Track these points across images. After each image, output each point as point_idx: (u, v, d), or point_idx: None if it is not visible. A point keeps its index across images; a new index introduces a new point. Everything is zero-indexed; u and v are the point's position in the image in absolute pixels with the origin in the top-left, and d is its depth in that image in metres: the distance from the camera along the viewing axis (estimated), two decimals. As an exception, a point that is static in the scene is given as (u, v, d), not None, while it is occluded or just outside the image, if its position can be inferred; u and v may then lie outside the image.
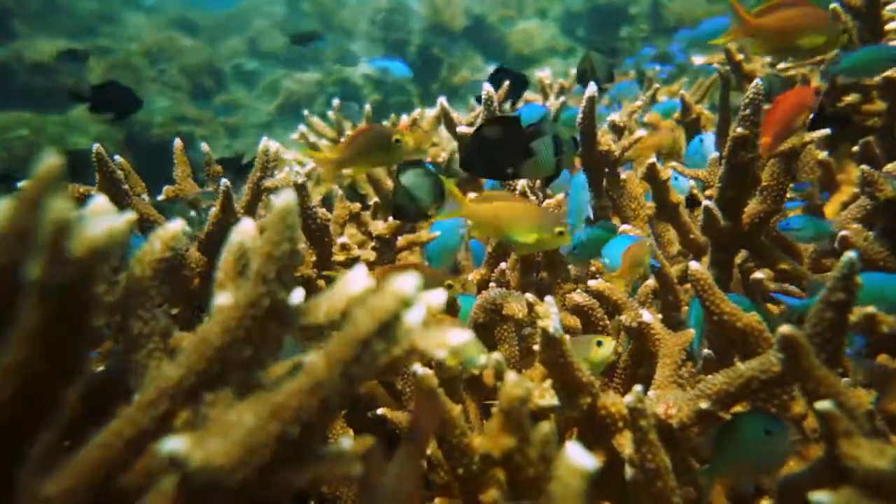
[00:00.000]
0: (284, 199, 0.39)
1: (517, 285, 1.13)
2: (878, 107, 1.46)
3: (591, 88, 1.23)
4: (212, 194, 1.28)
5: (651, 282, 0.94)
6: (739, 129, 1.02)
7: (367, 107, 2.38)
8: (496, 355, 0.69)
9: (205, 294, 1.10)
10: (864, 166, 1.02)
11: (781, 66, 1.73)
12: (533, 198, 1.14)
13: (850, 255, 0.60)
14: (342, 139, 1.08)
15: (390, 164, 1.11)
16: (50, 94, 4.73)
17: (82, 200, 1.06)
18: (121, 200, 1.06)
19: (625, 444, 0.66)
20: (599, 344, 0.79)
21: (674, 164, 1.28)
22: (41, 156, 0.34)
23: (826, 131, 1.13)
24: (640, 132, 1.27)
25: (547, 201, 1.20)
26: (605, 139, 1.24)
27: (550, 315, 0.64)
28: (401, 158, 1.06)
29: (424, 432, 0.45)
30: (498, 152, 0.97)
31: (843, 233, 0.99)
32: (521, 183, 1.12)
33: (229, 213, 1.09)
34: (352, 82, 5.72)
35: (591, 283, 0.92)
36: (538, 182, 1.37)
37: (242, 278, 0.46)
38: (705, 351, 0.88)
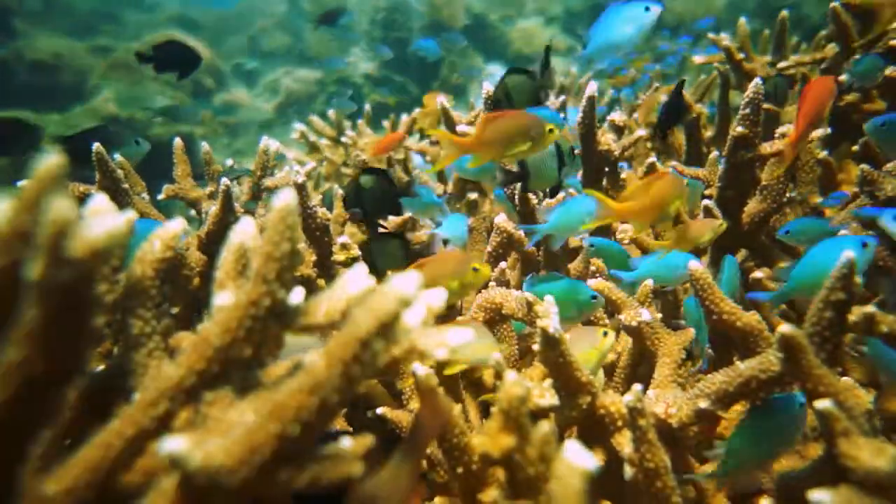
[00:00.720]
0: (284, 199, 0.39)
1: (517, 284, 1.13)
2: (878, 106, 1.46)
3: (592, 87, 1.23)
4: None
5: (650, 282, 0.94)
6: (739, 129, 1.02)
7: (367, 107, 2.38)
8: (496, 355, 0.69)
9: (205, 293, 1.10)
10: (863, 165, 1.02)
11: (782, 65, 1.73)
12: (534, 198, 1.14)
13: (848, 254, 0.60)
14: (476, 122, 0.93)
15: (526, 155, 1.03)
16: (50, 93, 4.73)
17: (82, 199, 1.06)
18: (120, 199, 1.06)
19: (624, 443, 0.66)
20: (605, 334, 0.79)
21: (673, 163, 1.28)
22: (41, 155, 0.34)
23: (826, 130, 1.13)
24: (641, 132, 1.27)
25: (546, 200, 1.20)
26: (605, 139, 1.24)
27: (550, 314, 0.64)
28: (544, 148, 1.00)
29: (428, 433, 0.45)
30: (373, 202, 1.11)
31: (843, 232, 0.99)
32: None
33: (229, 213, 1.09)
34: (352, 81, 5.72)
35: (591, 282, 0.92)
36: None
37: (242, 278, 0.46)
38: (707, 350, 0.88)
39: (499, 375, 0.66)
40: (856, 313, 0.82)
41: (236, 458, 0.35)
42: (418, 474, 0.43)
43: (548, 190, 1.23)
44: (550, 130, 0.95)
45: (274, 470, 0.36)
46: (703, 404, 0.67)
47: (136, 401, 0.40)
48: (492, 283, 1.01)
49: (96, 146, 1.04)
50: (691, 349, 0.87)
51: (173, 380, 0.40)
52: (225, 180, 1.08)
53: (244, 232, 0.48)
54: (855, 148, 1.28)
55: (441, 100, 1.59)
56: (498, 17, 6.09)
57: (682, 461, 0.74)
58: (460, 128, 1.43)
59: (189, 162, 1.33)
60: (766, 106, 1.09)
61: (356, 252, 1.11)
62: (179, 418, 0.41)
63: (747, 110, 1.01)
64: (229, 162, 1.70)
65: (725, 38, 1.77)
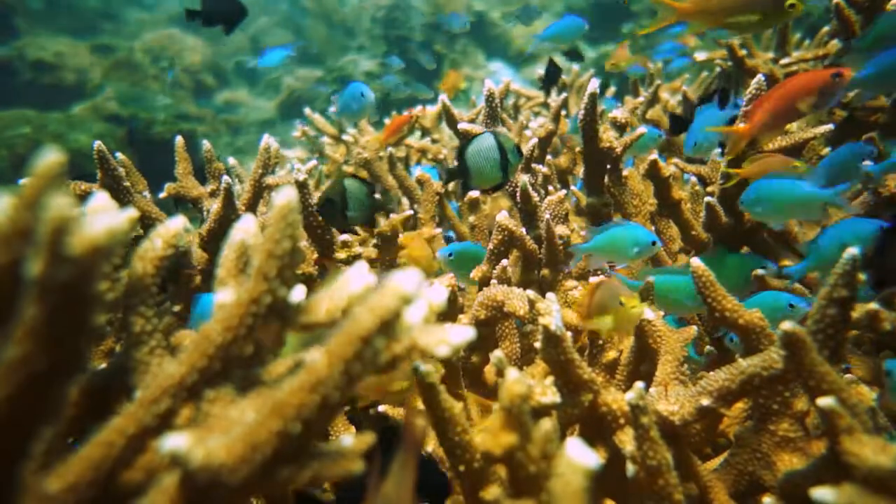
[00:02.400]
0: (285, 197, 0.39)
1: (518, 282, 1.12)
2: (880, 102, 1.45)
3: (594, 84, 1.22)
4: None
5: (651, 279, 0.93)
6: (741, 125, 1.01)
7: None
8: (497, 352, 0.69)
9: (206, 291, 1.10)
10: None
11: (784, 61, 1.72)
12: (535, 195, 1.14)
13: (852, 251, 0.60)
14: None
15: (760, 29, 1.01)
16: (52, 92, 4.74)
17: (83, 198, 1.06)
18: (122, 197, 1.06)
19: (626, 440, 0.66)
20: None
21: (675, 160, 1.28)
22: (41, 152, 0.34)
23: (829, 126, 1.12)
24: (641, 128, 1.26)
25: (548, 198, 1.20)
26: (607, 135, 1.24)
27: (552, 312, 0.64)
28: (793, 15, 0.98)
29: (415, 442, 0.45)
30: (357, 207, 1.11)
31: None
32: (524, 179, 1.12)
33: (230, 210, 1.09)
34: (353, 79, 5.71)
35: (593, 279, 0.92)
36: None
37: (244, 276, 0.46)
38: (707, 348, 0.88)
39: (500, 373, 0.66)
40: (859, 310, 0.82)
41: (237, 456, 0.35)
42: (416, 478, 0.43)
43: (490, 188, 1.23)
44: (791, 6, 0.92)
45: (275, 468, 0.36)
46: (706, 402, 0.67)
47: (137, 398, 0.40)
48: (493, 281, 1.01)
49: (97, 143, 1.03)
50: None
51: (175, 377, 0.40)
52: (226, 178, 1.08)
53: (245, 230, 0.48)
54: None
55: (442, 97, 1.58)
56: (499, 16, 6.08)
57: (684, 459, 0.74)
58: (461, 125, 1.43)
59: (190, 160, 1.33)
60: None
61: (357, 250, 1.11)
62: (181, 416, 0.41)
63: (750, 107, 1.00)
64: (231, 161, 1.70)
65: (727, 35, 1.77)
